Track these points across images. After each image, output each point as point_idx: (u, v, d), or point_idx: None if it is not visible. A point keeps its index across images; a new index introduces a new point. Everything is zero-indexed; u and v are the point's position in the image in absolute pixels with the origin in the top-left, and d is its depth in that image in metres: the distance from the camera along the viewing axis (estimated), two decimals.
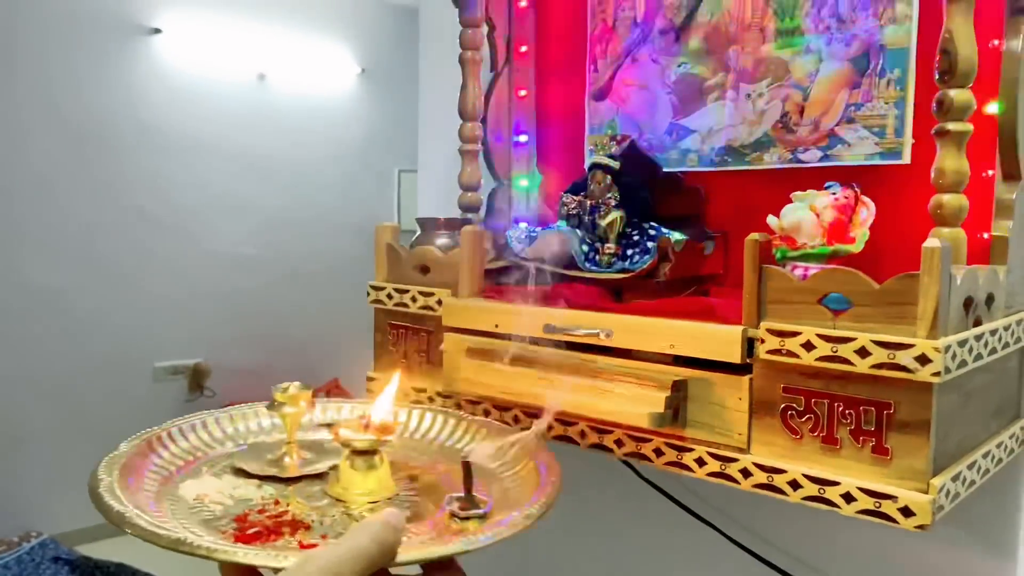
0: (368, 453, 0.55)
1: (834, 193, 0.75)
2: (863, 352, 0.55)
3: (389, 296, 0.85)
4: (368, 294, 0.87)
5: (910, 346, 0.53)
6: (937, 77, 0.61)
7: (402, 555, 0.42)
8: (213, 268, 4.36)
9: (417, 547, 0.45)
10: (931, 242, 0.53)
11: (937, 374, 0.53)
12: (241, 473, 0.58)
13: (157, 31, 4.17)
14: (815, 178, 0.77)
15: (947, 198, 0.61)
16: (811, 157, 0.80)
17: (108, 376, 4.08)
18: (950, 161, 0.61)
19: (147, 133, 4.14)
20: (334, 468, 0.58)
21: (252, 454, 0.61)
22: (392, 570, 0.43)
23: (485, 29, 0.94)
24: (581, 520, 1.06)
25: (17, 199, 3.59)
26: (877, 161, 0.76)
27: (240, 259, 4.58)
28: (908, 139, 0.74)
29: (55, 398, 3.77)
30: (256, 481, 0.57)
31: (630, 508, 1.00)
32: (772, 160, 0.83)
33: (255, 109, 4.52)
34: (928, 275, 0.53)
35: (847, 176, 0.76)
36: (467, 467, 0.52)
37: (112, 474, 0.51)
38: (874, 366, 0.55)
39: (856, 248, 0.73)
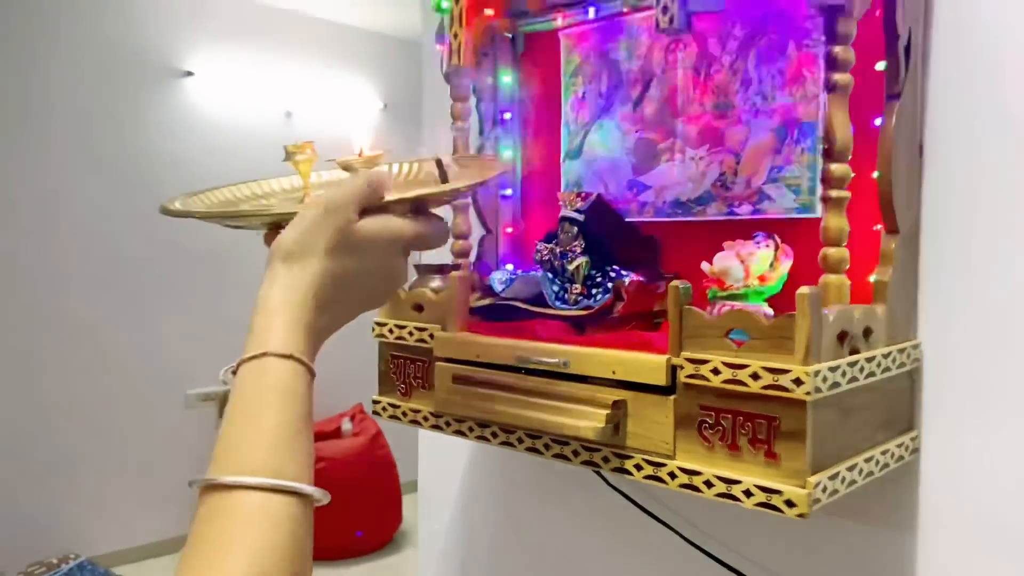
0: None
1: (759, 242, 0.90)
2: (755, 376, 0.70)
3: (390, 331, 1.00)
4: (373, 329, 1.03)
5: (788, 371, 0.68)
6: (821, 154, 0.76)
7: (389, 196, 0.60)
8: (242, 299, 4.53)
9: (402, 189, 0.62)
10: (802, 289, 0.68)
11: (809, 393, 0.67)
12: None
13: (189, 74, 4.39)
14: (747, 228, 0.92)
15: (831, 251, 0.76)
16: (744, 210, 0.95)
17: (143, 403, 4.26)
18: (833, 221, 0.75)
19: (180, 170, 4.34)
20: None
21: (280, 201, 0.77)
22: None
23: (473, 101, 1.10)
24: (555, 524, 1.20)
25: (59, 235, 3.80)
26: (795, 215, 0.91)
27: None
28: (819, 196, 0.89)
29: (93, 424, 3.95)
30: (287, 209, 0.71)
31: (601, 515, 1.14)
32: (713, 212, 0.97)
33: (283, 145, 4.71)
34: (801, 315, 0.68)
35: (772, 227, 0.91)
36: (439, 163, 0.69)
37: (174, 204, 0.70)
38: (764, 387, 0.70)
39: (775, 289, 0.88)
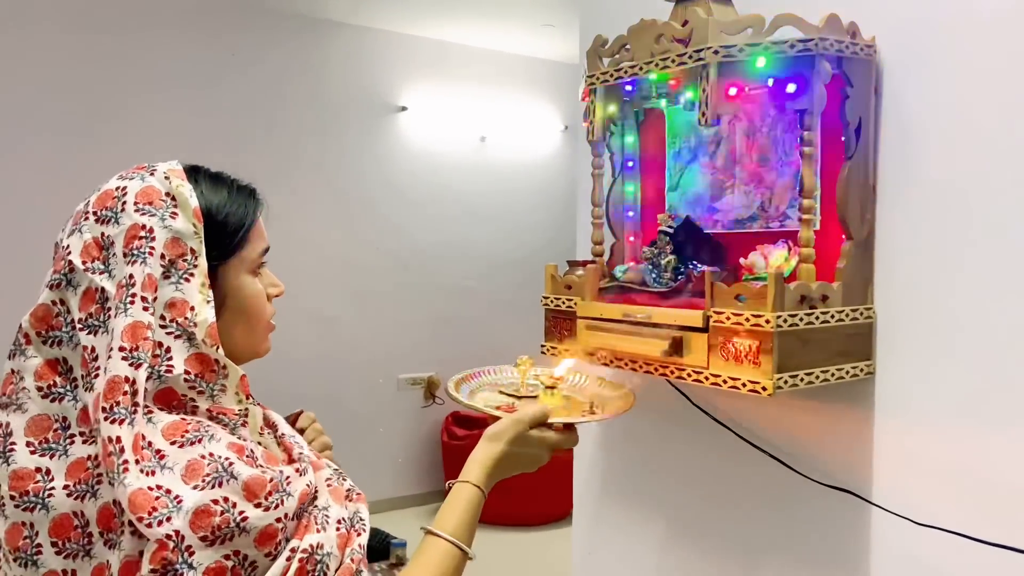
0: (551, 387, 1.31)
1: (779, 245, 1.44)
2: (748, 319, 1.25)
3: (551, 301, 1.62)
4: (542, 300, 1.64)
5: (762, 315, 1.23)
6: (799, 195, 1.30)
7: (552, 419, 1.17)
8: (444, 298, 5.34)
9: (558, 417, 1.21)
10: (771, 271, 1.23)
11: (773, 328, 1.22)
12: (503, 393, 1.36)
13: (404, 109, 5.20)
14: (776, 237, 1.46)
15: (803, 250, 1.29)
16: (775, 226, 1.49)
17: (363, 384, 5.11)
18: (804, 233, 1.29)
19: (394, 191, 5.18)
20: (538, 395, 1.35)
21: (508, 386, 1.40)
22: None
23: (607, 153, 1.70)
24: (653, 431, 1.77)
25: (297, 244, 4.69)
26: None
27: (465, 290, 5.52)
28: (818, 218, 1.41)
29: (322, 402, 4.81)
30: (509, 397, 1.34)
31: (684, 425, 1.70)
32: (756, 227, 1.52)
33: (477, 166, 5.48)
34: (770, 285, 1.23)
35: (790, 236, 1.44)
36: (591, 406, 1.28)
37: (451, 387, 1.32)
38: (752, 325, 1.25)
39: (789, 271, 1.41)
